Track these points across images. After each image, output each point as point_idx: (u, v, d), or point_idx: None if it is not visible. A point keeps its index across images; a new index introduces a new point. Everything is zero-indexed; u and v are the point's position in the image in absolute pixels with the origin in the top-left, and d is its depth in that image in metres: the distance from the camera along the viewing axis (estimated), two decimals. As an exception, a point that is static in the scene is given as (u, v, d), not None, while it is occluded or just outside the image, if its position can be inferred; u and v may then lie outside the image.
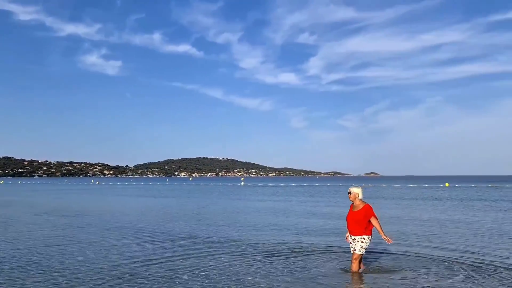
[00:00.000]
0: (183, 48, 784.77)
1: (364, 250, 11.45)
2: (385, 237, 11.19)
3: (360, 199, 11.54)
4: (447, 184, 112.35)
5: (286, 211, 34.77)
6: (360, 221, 11.22)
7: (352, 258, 11.69)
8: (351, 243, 11.64)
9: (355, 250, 11.47)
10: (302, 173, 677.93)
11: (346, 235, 11.88)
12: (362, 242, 11.33)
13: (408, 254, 15.53)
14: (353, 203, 11.62)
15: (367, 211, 11.24)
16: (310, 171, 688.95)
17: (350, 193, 11.53)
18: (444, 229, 23.09)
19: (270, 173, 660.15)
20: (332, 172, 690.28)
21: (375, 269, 12.57)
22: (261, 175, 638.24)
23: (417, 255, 15.33)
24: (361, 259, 11.83)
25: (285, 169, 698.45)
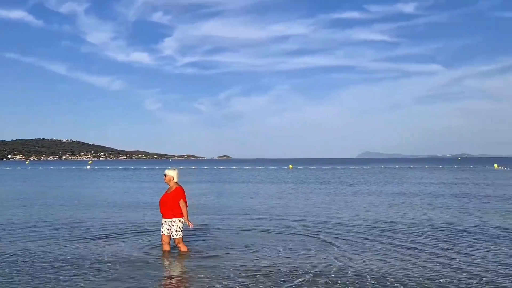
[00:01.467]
0: (17, 14, 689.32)
1: (181, 232, 11.42)
2: (187, 221, 11.18)
3: (175, 182, 11.43)
4: (290, 166, 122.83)
5: (134, 194, 34.02)
6: (170, 204, 11.21)
7: (166, 242, 11.76)
8: (163, 225, 11.61)
9: (172, 235, 11.43)
10: (155, 156, 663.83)
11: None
12: (173, 225, 11.35)
13: (256, 229, 16.78)
14: (168, 186, 11.61)
15: (178, 193, 11.23)
16: (164, 154, 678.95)
17: (165, 175, 11.39)
18: (287, 204, 25.50)
19: (121, 156, 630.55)
20: (186, 155, 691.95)
21: (209, 248, 12.82)
22: (111, 158, 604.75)
23: (266, 230, 16.66)
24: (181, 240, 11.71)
25: (137, 152, 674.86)
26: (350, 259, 11.95)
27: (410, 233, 15.89)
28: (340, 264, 11.37)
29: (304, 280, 9.88)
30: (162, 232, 11.93)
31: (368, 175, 67.66)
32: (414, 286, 9.38)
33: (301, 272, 10.53)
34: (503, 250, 12.87)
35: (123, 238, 14.55)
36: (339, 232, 16.42)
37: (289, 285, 9.57)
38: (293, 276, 10.20)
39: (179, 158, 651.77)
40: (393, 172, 79.25)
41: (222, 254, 12.20)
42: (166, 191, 11.64)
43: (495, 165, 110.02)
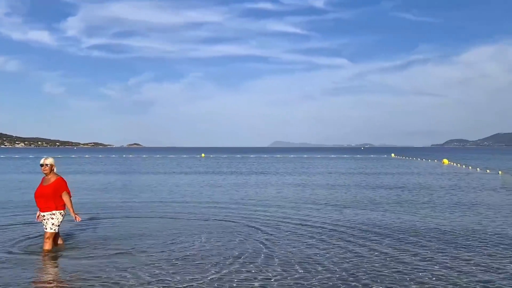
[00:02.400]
0: None
1: (57, 227, 10.53)
2: (74, 214, 10.51)
3: (55, 172, 10.60)
4: (203, 155, 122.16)
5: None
6: (49, 196, 10.26)
7: (44, 237, 10.64)
8: (42, 221, 10.59)
9: (46, 228, 10.45)
10: (57, 143, 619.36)
11: (37, 214, 10.72)
12: (52, 218, 10.40)
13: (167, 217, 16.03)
14: (44, 176, 10.54)
15: (59, 185, 10.39)
16: (68, 142, 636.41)
17: (45, 165, 10.34)
18: (197, 192, 25.00)
19: (18, 144, 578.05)
20: (93, 143, 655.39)
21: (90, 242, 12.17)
22: (5, 145, 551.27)
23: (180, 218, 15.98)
24: (57, 236, 10.91)
25: (37, 139, 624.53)
26: (275, 244, 12.15)
27: (327, 216, 16.32)
28: (267, 250, 11.40)
29: (233, 267, 9.72)
30: (44, 228, 10.68)
31: (278, 163, 69.60)
32: (336, 269, 9.69)
33: (229, 259, 10.40)
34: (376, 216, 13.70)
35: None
36: (259, 218, 16.59)
37: (215, 274, 9.26)
38: (222, 264, 10.02)
39: (85, 146, 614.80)
40: (301, 161, 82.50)
41: (135, 246, 11.62)
42: (42, 182, 10.57)
43: (392, 155, 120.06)
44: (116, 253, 10.88)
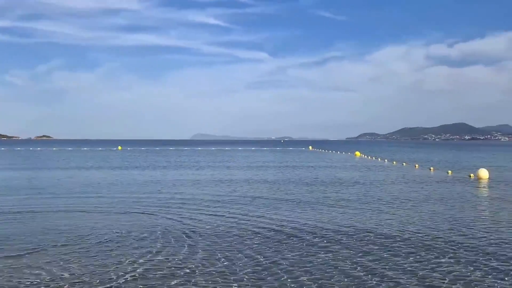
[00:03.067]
0: None
1: None
2: None
3: None
4: (120, 148, 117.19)
5: None
6: None
7: None
8: None
9: None
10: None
11: None
12: None
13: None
14: None
15: None
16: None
17: None
18: (114, 185, 24.03)
19: None
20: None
21: None
22: None
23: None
24: None
25: None
26: (198, 235, 12.21)
27: (245, 208, 16.60)
28: (190, 242, 11.39)
29: (156, 260, 9.60)
30: None
31: (198, 156, 69.17)
32: (260, 258, 9.79)
33: (151, 253, 10.24)
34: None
35: None
36: (179, 210, 16.51)
37: (138, 267, 9.02)
38: (145, 257, 9.86)
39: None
40: (222, 153, 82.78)
41: (48, 242, 10.79)
42: None
43: (310, 147, 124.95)
44: (26, 253, 10.20)
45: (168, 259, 9.84)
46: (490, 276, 8.90)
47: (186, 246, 11.08)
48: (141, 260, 9.60)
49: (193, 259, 9.85)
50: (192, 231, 12.87)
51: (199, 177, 31.68)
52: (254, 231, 13.07)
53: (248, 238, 12.04)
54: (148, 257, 9.93)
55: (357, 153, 78.11)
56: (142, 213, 15.89)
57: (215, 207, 17.50)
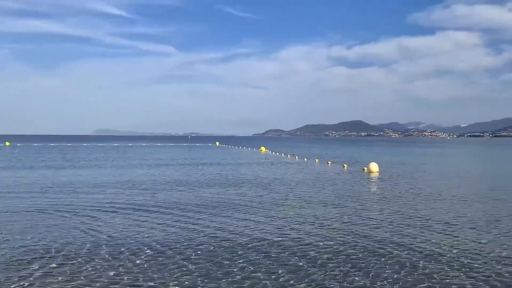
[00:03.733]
0: None
1: None
2: None
3: None
4: (7, 143, 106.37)
5: None
6: None
7: None
8: None
9: None
10: None
11: None
12: None
13: None
14: None
15: None
16: None
17: None
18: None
19: None
20: None
21: None
22: None
23: None
24: None
25: None
26: (98, 231, 11.88)
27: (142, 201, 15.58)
28: (93, 238, 10.93)
29: (55, 263, 8.92)
30: None
31: (99, 153, 65.26)
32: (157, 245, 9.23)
33: (50, 253, 9.58)
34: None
35: None
36: (76, 207, 15.74)
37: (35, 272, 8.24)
38: (44, 260, 9.12)
39: None
40: (125, 150, 79.14)
41: None
42: None
43: (217, 143, 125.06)
44: None
45: (69, 260, 8.77)
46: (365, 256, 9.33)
47: (88, 243, 10.06)
48: (37, 265, 8.82)
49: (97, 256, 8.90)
50: (91, 228, 11.80)
51: (95, 173, 29.64)
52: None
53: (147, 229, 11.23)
54: (46, 259, 9.33)
55: (262, 148, 79.91)
56: (35, 211, 14.16)
57: (110, 202, 16.22)
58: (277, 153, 64.49)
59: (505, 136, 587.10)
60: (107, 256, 9.63)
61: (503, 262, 9.55)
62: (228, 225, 13.15)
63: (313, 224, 13.46)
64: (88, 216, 14.30)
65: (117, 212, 15.15)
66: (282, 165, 40.16)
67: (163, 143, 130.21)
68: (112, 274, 8.45)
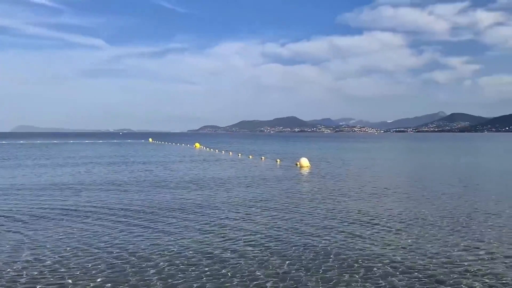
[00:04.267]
0: None
1: None
2: None
3: None
4: None
5: None
6: None
7: None
8: None
9: None
10: None
11: None
12: None
13: None
14: None
15: None
16: None
17: None
18: None
19: None
20: None
21: None
22: None
23: None
24: None
25: None
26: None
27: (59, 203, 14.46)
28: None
29: None
30: None
31: (19, 151, 60.66)
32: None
33: None
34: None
35: None
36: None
37: None
38: None
39: None
40: (50, 147, 74.36)
41: None
42: None
43: (150, 139, 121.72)
44: None
45: None
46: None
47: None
48: None
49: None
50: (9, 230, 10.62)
51: (14, 173, 27.34)
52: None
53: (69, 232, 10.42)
54: None
55: (197, 145, 78.88)
56: None
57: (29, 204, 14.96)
58: (212, 149, 64.01)
59: (426, 131, 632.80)
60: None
61: (409, 248, 10.11)
62: (146, 230, 12.62)
63: (243, 219, 13.42)
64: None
65: (32, 218, 14.02)
66: (216, 161, 39.84)
67: (92, 140, 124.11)
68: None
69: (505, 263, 9.10)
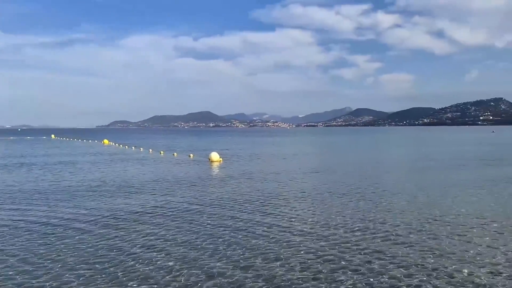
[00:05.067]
0: None
1: None
2: None
3: None
4: None
5: None
6: None
7: None
8: None
9: None
10: None
11: None
12: None
13: None
14: None
15: None
16: None
17: None
18: None
19: None
20: None
21: None
22: None
23: None
24: None
25: None
26: None
27: None
28: None
29: None
30: None
31: None
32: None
33: None
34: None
35: None
36: None
37: None
38: None
39: None
40: None
41: None
42: None
43: (53, 136, 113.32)
44: None
45: None
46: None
47: None
48: None
49: None
50: None
51: None
52: None
53: None
54: None
55: (105, 141, 75.20)
56: None
57: None
58: (122, 146, 61.31)
59: (334, 125, 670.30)
60: None
61: (313, 234, 10.59)
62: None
63: (151, 213, 13.04)
64: None
65: None
66: (124, 158, 38.18)
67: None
68: None
69: (394, 241, 9.88)
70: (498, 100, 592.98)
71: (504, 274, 8.02)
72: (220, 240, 10.44)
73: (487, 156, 37.88)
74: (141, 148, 52.89)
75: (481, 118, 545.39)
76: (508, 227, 11.42)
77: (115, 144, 67.28)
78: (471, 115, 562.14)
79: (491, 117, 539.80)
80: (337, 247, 9.76)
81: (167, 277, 8.02)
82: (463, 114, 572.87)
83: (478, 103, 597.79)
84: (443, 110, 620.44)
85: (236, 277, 8.00)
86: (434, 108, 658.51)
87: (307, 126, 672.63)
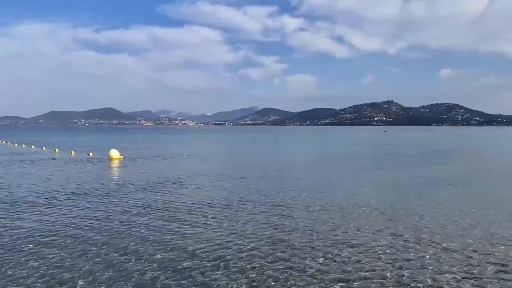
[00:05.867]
0: None
1: None
2: None
3: None
4: None
5: None
6: None
7: None
8: None
9: None
10: None
11: None
12: None
13: None
14: None
15: None
16: None
17: None
18: None
19: None
20: None
21: None
22: None
23: None
24: None
25: None
26: None
27: None
28: None
29: None
30: None
31: None
32: None
33: None
34: None
35: None
36: None
37: None
38: None
39: None
40: None
41: None
42: None
43: None
44: None
45: None
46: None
47: None
48: None
49: None
50: None
51: None
52: None
53: None
54: None
55: (-8, 138, 68.60)
56: None
57: None
58: (9, 143, 56.22)
59: (242, 124, 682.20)
60: None
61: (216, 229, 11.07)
62: None
63: (38, 214, 12.40)
64: None
65: None
66: (11, 157, 35.17)
67: None
68: None
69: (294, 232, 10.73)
70: (390, 103, 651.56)
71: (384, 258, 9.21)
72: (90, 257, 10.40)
73: (379, 153, 41.76)
74: (33, 146, 49.10)
75: (375, 119, 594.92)
76: (387, 213, 13.00)
77: (2, 141, 61.49)
78: (367, 116, 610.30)
79: (384, 118, 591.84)
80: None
81: None
82: (360, 115, 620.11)
83: (373, 105, 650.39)
84: (343, 111, 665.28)
85: None
86: (335, 109, 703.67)
87: (215, 124, 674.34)
